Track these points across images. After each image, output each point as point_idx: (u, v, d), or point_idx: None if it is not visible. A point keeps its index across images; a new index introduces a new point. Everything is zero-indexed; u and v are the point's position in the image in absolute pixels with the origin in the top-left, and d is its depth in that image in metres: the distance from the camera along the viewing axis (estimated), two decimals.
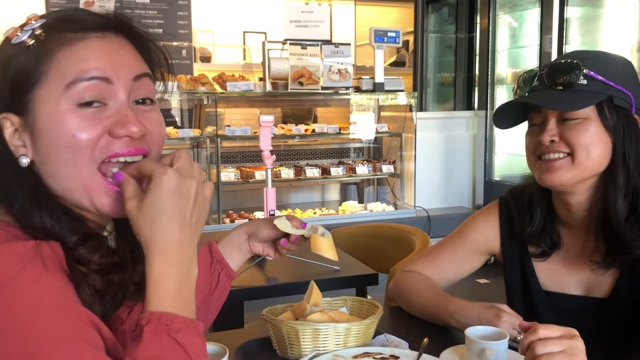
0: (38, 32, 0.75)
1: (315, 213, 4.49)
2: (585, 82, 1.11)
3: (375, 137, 4.88)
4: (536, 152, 1.17)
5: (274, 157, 1.72)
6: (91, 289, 0.74)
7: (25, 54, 0.74)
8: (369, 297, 2.49)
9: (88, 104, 0.74)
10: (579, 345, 0.87)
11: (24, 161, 0.75)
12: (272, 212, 1.70)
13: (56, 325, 0.64)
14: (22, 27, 0.76)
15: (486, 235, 1.36)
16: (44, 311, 0.64)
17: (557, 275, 1.27)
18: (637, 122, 1.15)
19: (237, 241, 1.08)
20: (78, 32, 0.76)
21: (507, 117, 1.22)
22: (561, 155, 1.14)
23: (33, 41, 0.74)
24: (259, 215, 4.19)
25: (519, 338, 1.08)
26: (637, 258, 1.12)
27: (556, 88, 1.13)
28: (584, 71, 1.11)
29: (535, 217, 1.26)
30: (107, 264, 0.76)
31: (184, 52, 4.78)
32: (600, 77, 1.11)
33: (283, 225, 1.04)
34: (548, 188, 1.20)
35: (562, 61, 1.14)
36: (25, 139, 0.75)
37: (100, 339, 0.67)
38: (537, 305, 1.28)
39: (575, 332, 0.89)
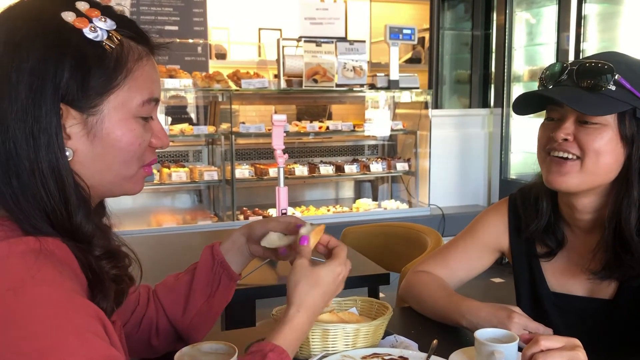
0: (115, 36, 0.78)
1: (329, 210, 4.49)
2: (613, 88, 1.08)
3: (390, 135, 4.87)
4: (547, 147, 1.16)
5: (286, 156, 1.72)
6: (106, 290, 0.78)
7: (103, 56, 0.77)
8: (381, 294, 2.49)
9: (147, 118, 0.84)
10: (581, 356, 0.87)
11: (68, 154, 0.76)
12: (284, 211, 1.71)
13: (67, 319, 0.66)
14: (88, 19, 0.76)
15: (495, 232, 1.36)
16: (54, 307, 0.66)
17: (563, 276, 1.26)
18: None
19: (237, 243, 1.09)
20: (145, 48, 0.83)
21: (527, 104, 1.20)
22: (570, 156, 1.12)
23: (114, 46, 0.77)
24: (272, 212, 4.21)
25: None
26: (637, 274, 1.11)
27: (583, 87, 1.10)
28: (615, 77, 1.08)
29: (540, 213, 1.25)
30: (119, 275, 0.82)
31: (199, 49, 4.80)
32: (629, 86, 1.08)
33: (270, 242, 1.03)
34: (554, 190, 1.19)
35: (597, 61, 1.11)
36: (74, 134, 0.77)
37: (105, 334, 0.69)
38: (544, 305, 1.27)
39: (577, 342, 0.88)
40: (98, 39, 0.76)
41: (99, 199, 0.85)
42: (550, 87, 1.16)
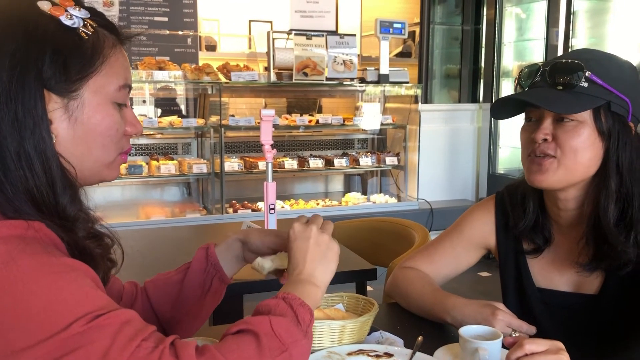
0: (91, 24, 0.82)
1: (318, 204, 4.50)
2: (586, 84, 1.10)
3: (380, 129, 4.87)
4: (528, 149, 1.18)
5: (274, 151, 1.72)
6: (97, 264, 0.82)
7: (80, 42, 0.80)
8: (369, 288, 2.51)
9: (122, 105, 0.87)
10: (564, 359, 0.88)
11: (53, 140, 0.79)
12: (272, 206, 1.71)
13: (61, 276, 0.70)
14: (63, 8, 0.80)
15: (482, 230, 1.38)
16: (46, 269, 0.70)
17: (549, 272, 1.28)
18: (632, 130, 1.15)
19: (233, 247, 1.09)
20: (116, 38, 0.86)
21: (505, 108, 1.22)
22: (550, 156, 1.14)
23: (89, 33, 0.81)
24: (261, 205, 4.21)
25: (513, 335, 1.09)
26: (622, 263, 1.13)
27: (556, 87, 1.12)
28: (587, 74, 1.10)
29: (527, 212, 1.27)
30: (102, 254, 0.86)
31: (189, 40, 4.77)
32: (601, 82, 1.10)
33: (260, 267, 1.03)
34: (536, 188, 1.21)
35: (566, 60, 1.13)
36: (56, 118, 0.79)
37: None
38: (530, 301, 1.29)
39: (560, 345, 0.90)
40: (75, 25, 0.80)
41: (80, 186, 0.87)
42: (527, 89, 1.18)
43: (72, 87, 0.79)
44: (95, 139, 0.83)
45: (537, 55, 4.61)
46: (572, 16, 4.19)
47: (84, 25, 0.81)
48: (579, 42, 4.29)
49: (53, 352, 0.66)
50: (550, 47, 4.33)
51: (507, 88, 4.89)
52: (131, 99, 4.22)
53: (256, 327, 0.77)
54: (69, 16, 0.80)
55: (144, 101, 4.43)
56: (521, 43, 4.87)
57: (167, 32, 4.66)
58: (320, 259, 0.94)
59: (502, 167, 4.96)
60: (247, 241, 1.08)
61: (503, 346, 1.05)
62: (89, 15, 0.82)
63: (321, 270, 0.93)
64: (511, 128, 4.79)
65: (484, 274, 4.22)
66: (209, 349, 0.73)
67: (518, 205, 1.30)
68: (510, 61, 4.92)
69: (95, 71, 0.81)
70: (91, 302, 0.70)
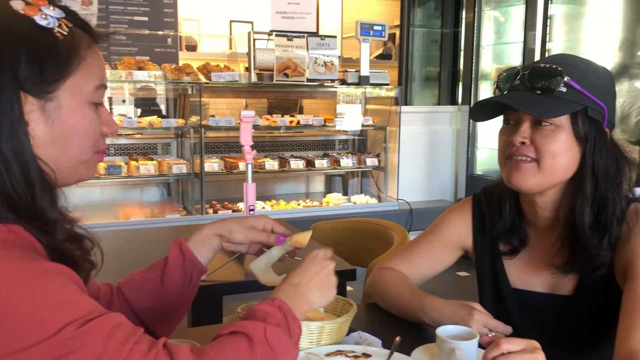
0: (66, 24, 0.80)
1: (299, 205, 4.50)
2: (564, 89, 1.12)
3: (360, 130, 4.89)
4: (506, 152, 1.20)
5: (254, 152, 1.73)
6: (78, 266, 0.82)
7: (55, 43, 0.78)
8: (349, 288, 2.52)
9: (98, 104, 0.86)
10: (540, 358, 0.89)
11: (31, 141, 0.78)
12: (251, 207, 1.71)
13: (43, 282, 0.70)
14: (37, 8, 0.79)
15: (459, 231, 1.39)
16: (27, 275, 0.69)
17: (524, 273, 1.30)
18: (607, 135, 1.17)
19: (209, 241, 1.10)
20: (91, 37, 0.85)
21: (484, 111, 1.23)
22: (528, 159, 1.16)
23: (65, 33, 0.80)
24: (241, 206, 4.20)
25: (489, 335, 1.11)
26: (596, 265, 1.16)
27: (535, 91, 1.14)
28: (565, 79, 1.11)
29: (504, 214, 1.29)
30: (82, 257, 0.85)
31: (169, 40, 4.74)
32: (579, 87, 1.12)
33: (258, 270, 1.08)
34: (514, 190, 1.23)
35: (545, 65, 1.15)
36: (33, 120, 0.78)
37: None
38: (506, 302, 1.31)
39: (536, 344, 0.91)
40: (50, 25, 0.79)
41: (58, 187, 0.86)
42: (506, 92, 1.19)
43: (49, 89, 0.79)
44: (72, 139, 0.82)
45: (514, 58, 4.68)
46: (548, 20, 4.26)
47: (59, 25, 0.80)
48: (556, 45, 4.36)
49: (43, 358, 0.66)
50: (527, 50, 4.40)
51: (485, 91, 4.95)
52: (110, 98, 4.20)
53: (251, 332, 0.79)
54: (44, 16, 0.78)
55: (124, 101, 4.39)
56: (499, 46, 4.93)
57: (147, 31, 4.63)
58: (320, 289, 0.98)
59: (480, 168, 5.02)
60: (228, 236, 1.10)
61: (480, 346, 1.06)
62: (63, 15, 0.81)
63: (317, 296, 0.97)
64: (489, 130, 4.85)
65: (463, 273, 4.26)
66: (205, 352, 0.75)
67: (495, 207, 1.32)
68: (488, 64, 4.98)
69: (72, 72, 0.81)
70: (79, 307, 0.70)
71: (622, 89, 4.05)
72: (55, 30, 0.79)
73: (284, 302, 0.88)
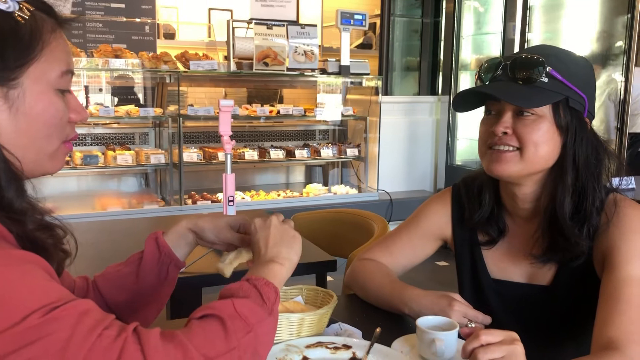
0: (27, 8, 0.77)
1: (279, 195, 4.48)
2: (546, 80, 1.12)
3: (341, 120, 4.88)
4: (487, 141, 1.20)
5: (233, 142, 1.70)
6: (50, 254, 0.79)
7: (16, 27, 0.75)
8: (330, 279, 2.52)
9: (65, 91, 0.83)
10: (518, 349, 0.90)
11: None
12: (230, 198, 1.69)
13: (11, 269, 0.68)
14: None
15: (438, 222, 1.39)
16: None
17: (503, 263, 1.31)
18: (588, 125, 1.18)
19: (186, 236, 1.07)
20: (55, 21, 0.82)
21: (466, 101, 1.23)
22: (510, 148, 1.16)
23: (26, 17, 0.76)
24: (221, 197, 4.16)
25: (469, 326, 1.11)
26: (575, 255, 1.17)
27: (517, 82, 1.14)
28: (547, 69, 1.12)
29: (483, 204, 1.29)
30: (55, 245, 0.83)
31: (147, 28, 4.67)
32: (560, 77, 1.12)
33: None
34: (496, 178, 1.23)
35: (527, 55, 1.15)
36: None
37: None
38: (485, 292, 1.32)
39: (515, 336, 0.91)
40: (10, 9, 0.76)
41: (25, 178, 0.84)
42: (487, 82, 1.19)
43: (11, 76, 0.76)
44: (38, 129, 0.79)
45: (494, 49, 4.70)
46: (528, 11, 4.28)
47: (20, 9, 0.77)
48: (535, 36, 4.38)
49: (8, 345, 0.64)
50: (507, 40, 4.42)
51: (465, 81, 4.97)
52: (87, 87, 4.13)
53: (220, 311, 0.77)
54: (3, 0, 0.75)
55: (100, 90, 4.32)
56: (479, 36, 4.95)
57: (124, 19, 4.55)
58: (282, 241, 0.95)
59: (459, 158, 5.05)
60: (201, 235, 1.07)
61: (460, 336, 1.07)
62: None
63: (285, 251, 0.94)
64: (469, 120, 4.87)
65: (442, 263, 4.29)
66: (175, 335, 0.72)
67: (474, 197, 1.32)
68: (468, 54, 5.00)
69: (35, 58, 0.77)
70: (46, 294, 0.68)
71: (600, 80, 4.09)
72: (16, 14, 0.76)
73: (251, 275, 0.86)
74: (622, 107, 3.88)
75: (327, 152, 4.56)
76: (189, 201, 4.09)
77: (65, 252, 0.87)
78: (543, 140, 1.14)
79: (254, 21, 4.16)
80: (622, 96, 3.89)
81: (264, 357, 0.80)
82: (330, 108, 4.63)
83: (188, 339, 0.72)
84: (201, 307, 0.79)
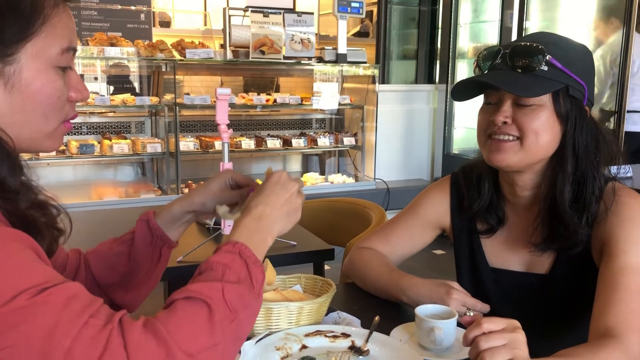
0: None
1: None
2: (545, 68, 1.11)
3: (338, 109, 4.87)
4: (487, 131, 1.19)
5: (230, 131, 1.69)
6: (42, 232, 0.78)
7: (15, 1, 0.73)
8: (327, 267, 2.52)
9: (66, 68, 0.81)
10: (520, 337, 0.89)
11: None
12: None
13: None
14: None
15: (437, 210, 1.39)
16: None
17: (501, 252, 1.31)
18: (587, 113, 1.17)
19: (180, 218, 1.05)
20: None
21: (465, 90, 1.22)
22: (511, 137, 1.15)
23: None
24: None
25: (468, 314, 1.12)
26: (574, 243, 1.17)
27: (516, 70, 1.13)
28: (547, 57, 1.11)
29: (482, 193, 1.29)
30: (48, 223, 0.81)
31: (142, 16, 4.63)
32: (560, 65, 1.11)
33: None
34: (495, 168, 1.23)
35: (526, 43, 1.14)
36: None
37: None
38: (483, 281, 1.32)
39: (517, 324, 0.91)
40: None
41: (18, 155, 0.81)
42: (486, 71, 1.18)
43: (9, 51, 0.73)
44: (35, 107, 0.77)
45: (491, 37, 4.68)
46: None
47: None
48: (532, 24, 4.36)
49: None
50: (504, 29, 4.40)
51: (462, 69, 4.95)
52: (82, 76, 4.10)
53: (207, 296, 0.72)
54: None
55: (96, 78, 4.29)
56: (476, 25, 4.93)
57: (119, 7, 4.51)
58: (285, 215, 0.90)
59: (456, 147, 5.04)
60: (203, 210, 1.04)
61: (459, 325, 1.07)
62: None
63: (283, 224, 0.90)
64: (466, 109, 4.86)
65: (439, 251, 4.30)
66: (158, 329, 0.68)
67: (473, 186, 1.32)
68: (465, 42, 4.98)
69: (35, 33, 0.75)
70: (34, 275, 0.66)
71: (598, 69, 4.08)
72: None
73: (245, 245, 0.80)
74: (621, 89, 3.84)
75: (324, 141, 4.55)
76: (186, 190, 4.08)
77: (59, 230, 0.85)
78: (543, 129, 1.13)
79: (250, 9, 4.14)
80: (620, 75, 3.85)
81: (245, 338, 0.78)
82: (327, 97, 4.62)
83: (170, 334, 0.68)
84: (188, 287, 0.74)
